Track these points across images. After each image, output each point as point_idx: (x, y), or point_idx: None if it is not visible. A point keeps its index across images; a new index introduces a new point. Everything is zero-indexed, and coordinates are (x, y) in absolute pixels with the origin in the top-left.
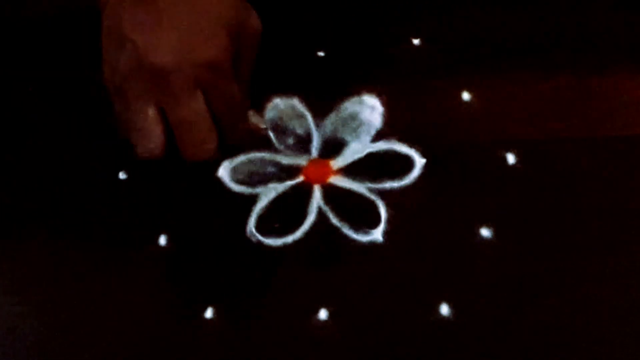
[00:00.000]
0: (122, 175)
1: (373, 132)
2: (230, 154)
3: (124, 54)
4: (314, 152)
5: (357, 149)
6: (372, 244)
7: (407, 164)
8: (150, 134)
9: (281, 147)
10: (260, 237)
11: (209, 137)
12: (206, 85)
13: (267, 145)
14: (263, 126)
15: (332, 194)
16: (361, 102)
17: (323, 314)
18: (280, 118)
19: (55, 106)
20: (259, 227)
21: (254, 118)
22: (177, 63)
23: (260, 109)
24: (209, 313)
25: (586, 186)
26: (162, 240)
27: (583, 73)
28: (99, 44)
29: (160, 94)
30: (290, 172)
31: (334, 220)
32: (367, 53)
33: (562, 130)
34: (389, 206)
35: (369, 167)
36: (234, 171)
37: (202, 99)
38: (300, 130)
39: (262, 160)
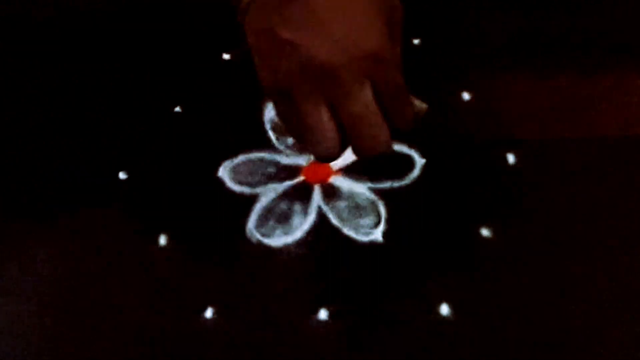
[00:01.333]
0: (122, 175)
1: None
2: (230, 153)
3: (284, 56)
4: None
5: None
6: (372, 244)
7: (407, 164)
8: (327, 134)
9: (281, 147)
10: (260, 237)
11: (383, 128)
12: (374, 76)
13: (267, 145)
14: (424, 106)
15: (332, 194)
16: None
17: (323, 314)
18: None
19: (56, 106)
20: (259, 227)
21: (415, 100)
22: (344, 58)
23: (260, 109)
24: (209, 313)
25: (586, 186)
26: (162, 240)
27: (583, 73)
28: (248, 49)
29: (329, 91)
30: (290, 172)
31: (334, 220)
32: None
33: (562, 130)
34: (389, 206)
35: (369, 167)
36: (234, 171)
37: (371, 91)
38: None
39: (262, 160)
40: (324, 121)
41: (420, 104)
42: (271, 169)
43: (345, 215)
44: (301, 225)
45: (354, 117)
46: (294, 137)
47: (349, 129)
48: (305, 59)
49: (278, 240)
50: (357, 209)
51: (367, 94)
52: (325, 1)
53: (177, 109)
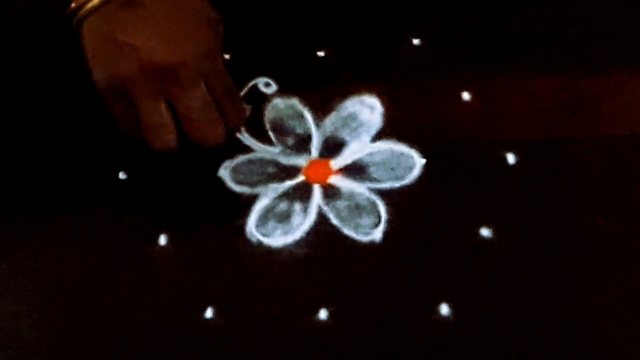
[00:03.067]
0: (122, 175)
1: (373, 132)
2: (231, 154)
3: (124, 58)
4: (314, 152)
5: (357, 149)
6: (372, 244)
7: (407, 164)
8: (166, 128)
9: (281, 147)
10: (260, 237)
11: (218, 120)
12: (208, 75)
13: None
14: (249, 106)
15: (332, 194)
16: (361, 102)
17: (323, 314)
18: (280, 118)
19: (56, 106)
20: (259, 227)
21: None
22: (181, 58)
23: (260, 109)
24: (209, 313)
25: (586, 186)
26: (162, 240)
27: (583, 73)
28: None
29: (168, 89)
30: (290, 172)
31: (334, 220)
32: (367, 53)
33: (562, 130)
34: (389, 206)
35: (369, 167)
36: (234, 171)
37: (205, 88)
38: (300, 130)
39: (262, 160)
40: (163, 117)
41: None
42: (271, 169)
43: (345, 215)
44: (301, 225)
45: (191, 111)
46: (129, 133)
47: (187, 122)
48: (144, 59)
49: (278, 240)
50: (357, 209)
51: (203, 90)
52: (159, 9)
53: None
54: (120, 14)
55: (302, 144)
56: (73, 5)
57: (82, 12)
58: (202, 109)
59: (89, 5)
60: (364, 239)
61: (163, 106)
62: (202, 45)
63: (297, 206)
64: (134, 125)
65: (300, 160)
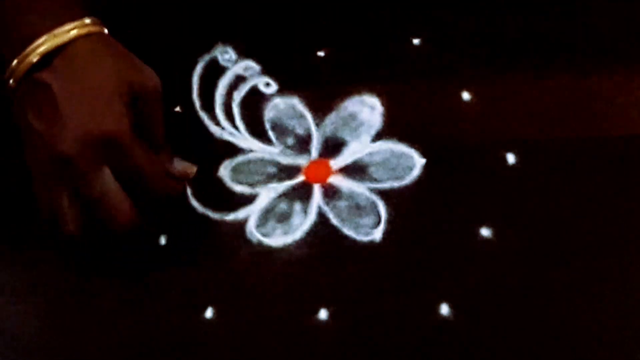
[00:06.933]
0: None
1: (373, 132)
2: (230, 154)
3: (38, 146)
4: (314, 152)
5: (357, 149)
6: (372, 244)
7: (407, 164)
8: (67, 217)
9: (281, 147)
10: (260, 237)
11: (120, 211)
12: (110, 160)
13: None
14: (193, 169)
15: (332, 194)
16: (361, 102)
17: (323, 314)
18: (280, 118)
19: None
20: (259, 227)
21: (179, 164)
22: (77, 147)
23: (260, 109)
24: (209, 313)
25: (586, 186)
26: (162, 240)
27: (583, 73)
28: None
29: (69, 178)
30: (290, 172)
31: (334, 220)
32: (367, 53)
33: (562, 130)
34: (389, 206)
35: (369, 167)
36: (234, 171)
37: (109, 173)
38: (300, 130)
39: (262, 160)
40: (64, 207)
41: (185, 167)
42: (271, 169)
43: (345, 215)
44: (301, 225)
45: (92, 201)
46: (45, 214)
47: (93, 210)
48: (49, 149)
49: (278, 240)
50: (357, 209)
51: (103, 177)
52: (65, 89)
53: (177, 109)
54: (30, 96)
55: (302, 144)
56: (5, 85)
57: (8, 92)
58: (102, 198)
59: (8, 85)
60: (364, 239)
61: (65, 195)
62: (104, 129)
63: (297, 206)
64: (46, 208)
65: (300, 160)
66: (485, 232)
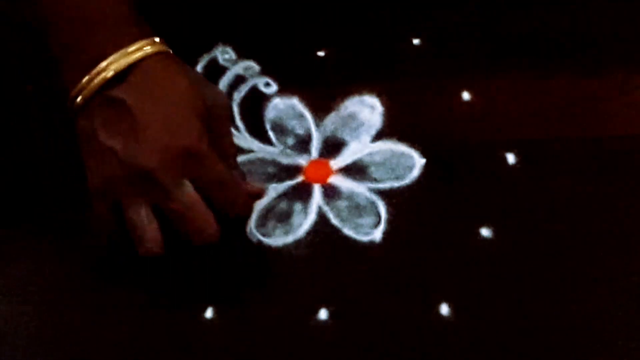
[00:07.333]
0: None
1: (373, 132)
2: None
3: (107, 162)
4: (314, 152)
5: (357, 149)
6: (372, 244)
7: (407, 164)
8: (147, 235)
9: (281, 147)
10: (260, 237)
11: (206, 222)
12: (191, 173)
13: (267, 145)
14: (265, 190)
15: (332, 194)
16: (361, 102)
17: (323, 314)
18: (280, 118)
19: (55, 106)
20: (259, 227)
21: (252, 184)
22: (159, 161)
23: (260, 109)
24: (209, 313)
25: (586, 186)
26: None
27: (583, 73)
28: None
29: (150, 193)
30: (290, 172)
31: (334, 220)
32: (367, 53)
33: (562, 130)
34: (389, 206)
35: (369, 167)
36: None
37: (191, 187)
38: (300, 130)
39: (262, 160)
40: (144, 224)
41: (259, 186)
42: (271, 169)
43: (345, 215)
44: (301, 225)
45: (176, 215)
46: (98, 236)
47: (175, 225)
48: (125, 164)
49: (278, 240)
50: (357, 209)
51: (186, 191)
52: (141, 104)
53: None
54: (102, 112)
55: (302, 144)
56: (68, 103)
57: (72, 110)
58: (187, 212)
59: (75, 103)
60: (364, 239)
61: (145, 211)
62: (184, 142)
63: (297, 206)
64: (105, 229)
65: (300, 160)
66: (485, 232)
